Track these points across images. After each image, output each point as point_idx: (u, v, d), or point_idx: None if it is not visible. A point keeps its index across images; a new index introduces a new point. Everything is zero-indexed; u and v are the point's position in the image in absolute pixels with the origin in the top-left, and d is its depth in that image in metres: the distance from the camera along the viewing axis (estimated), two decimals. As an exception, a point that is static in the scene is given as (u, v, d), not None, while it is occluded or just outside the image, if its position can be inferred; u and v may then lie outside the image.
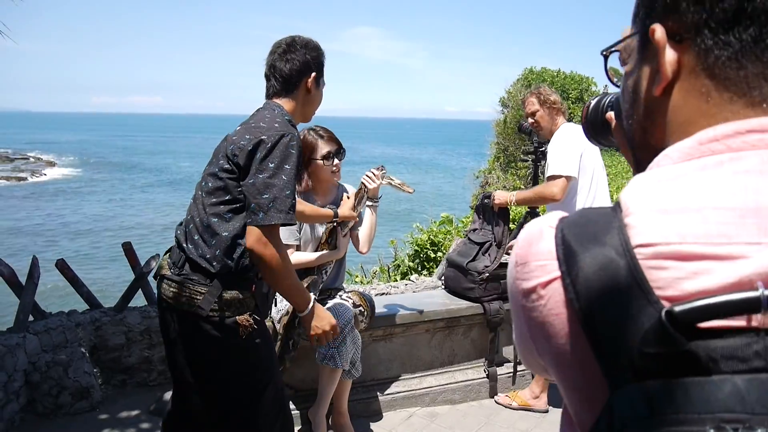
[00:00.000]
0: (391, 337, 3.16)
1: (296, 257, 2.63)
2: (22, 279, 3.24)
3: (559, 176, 2.87)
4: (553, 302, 0.49)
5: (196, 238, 1.81)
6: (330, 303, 2.67)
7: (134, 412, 3.08)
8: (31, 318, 3.23)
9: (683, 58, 0.51)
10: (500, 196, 3.20)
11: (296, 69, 1.91)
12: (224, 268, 1.78)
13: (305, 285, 2.60)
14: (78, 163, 42.08)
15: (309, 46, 1.95)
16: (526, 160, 4.42)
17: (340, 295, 2.73)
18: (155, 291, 2.03)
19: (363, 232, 2.74)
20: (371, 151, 63.37)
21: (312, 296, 1.98)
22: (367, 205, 2.74)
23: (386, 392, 3.14)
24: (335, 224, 2.64)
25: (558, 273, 0.49)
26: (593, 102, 0.93)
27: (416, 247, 5.60)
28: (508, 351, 3.45)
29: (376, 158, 45.95)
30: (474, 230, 3.38)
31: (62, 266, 3.47)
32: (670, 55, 0.51)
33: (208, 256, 1.78)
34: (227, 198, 1.79)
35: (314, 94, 1.98)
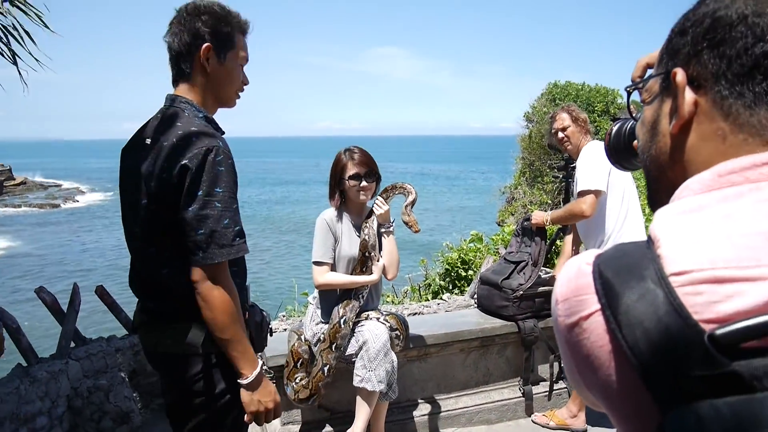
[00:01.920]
0: (425, 357, 3.15)
1: (331, 278, 2.68)
2: (63, 306, 3.33)
3: (588, 191, 2.87)
4: (596, 335, 0.51)
5: (155, 291, 1.60)
6: (366, 324, 2.70)
7: (173, 436, 3.11)
8: (72, 344, 3.31)
9: (700, 102, 0.56)
10: (537, 217, 3.23)
11: (185, 42, 1.56)
12: (196, 308, 1.51)
13: (345, 310, 2.63)
14: (108, 189, 43.12)
15: (204, 11, 1.56)
16: (558, 176, 4.41)
17: (377, 318, 2.75)
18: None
19: (384, 259, 2.76)
20: (394, 168, 63.64)
21: (260, 362, 1.56)
22: (381, 231, 2.77)
23: (422, 413, 3.12)
24: (366, 254, 2.69)
25: (598, 306, 0.51)
26: (614, 128, 0.97)
27: (447, 266, 5.58)
28: (543, 369, 3.41)
29: (398, 176, 46.07)
30: (510, 253, 3.39)
31: (101, 292, 3.55)
32: (688, 97, 0.56)
33: (176, 305, 1.56)
34: (167, 243, 1.51)
35: (216, 70, 1.59)
